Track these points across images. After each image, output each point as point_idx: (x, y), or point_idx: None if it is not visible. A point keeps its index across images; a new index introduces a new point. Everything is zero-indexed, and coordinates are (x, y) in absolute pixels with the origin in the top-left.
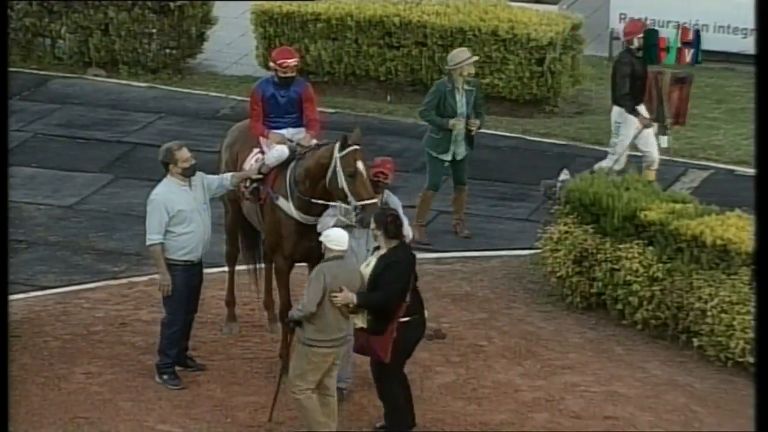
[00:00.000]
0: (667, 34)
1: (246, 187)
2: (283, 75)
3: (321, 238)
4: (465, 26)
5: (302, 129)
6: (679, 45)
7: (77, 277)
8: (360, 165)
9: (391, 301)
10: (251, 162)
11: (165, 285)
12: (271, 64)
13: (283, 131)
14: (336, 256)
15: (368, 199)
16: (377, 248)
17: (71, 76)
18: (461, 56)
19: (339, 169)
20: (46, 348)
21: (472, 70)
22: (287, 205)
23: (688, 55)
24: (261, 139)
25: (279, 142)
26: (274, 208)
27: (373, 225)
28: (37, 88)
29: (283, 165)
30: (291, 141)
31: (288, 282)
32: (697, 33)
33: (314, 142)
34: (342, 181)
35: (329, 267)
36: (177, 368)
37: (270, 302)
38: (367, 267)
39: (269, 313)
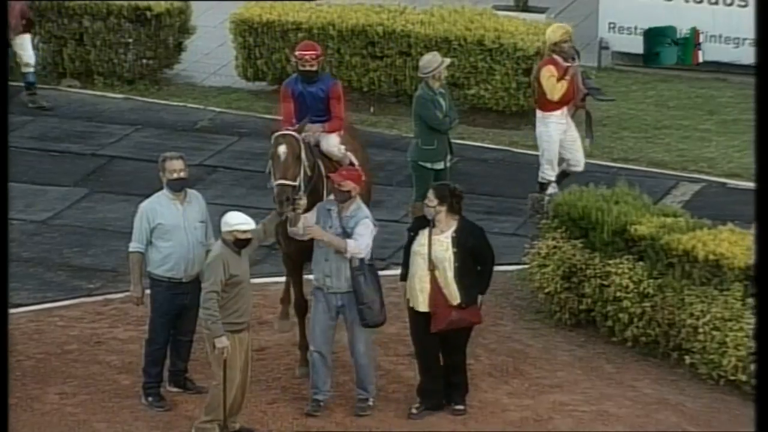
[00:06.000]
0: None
1: None
2: (302, 69)
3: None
4: (450, 35)
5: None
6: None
7: (51, 294)
8: (280, 149)
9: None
10: None
11: (135, 297)
12: (293, 59)
13: None
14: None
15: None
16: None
17: (45, 87)
18: (436, 61)
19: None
20: (19, 368)
21: (446, 73)
22: None
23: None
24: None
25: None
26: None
27: (434, 201)
28: (9, 99)
29: None
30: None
31: (300, 279)
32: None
33: (319, 133)
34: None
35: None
36: (176, 389)
37: (286, 297)
38: (428, 246)
39: (282, 307)
